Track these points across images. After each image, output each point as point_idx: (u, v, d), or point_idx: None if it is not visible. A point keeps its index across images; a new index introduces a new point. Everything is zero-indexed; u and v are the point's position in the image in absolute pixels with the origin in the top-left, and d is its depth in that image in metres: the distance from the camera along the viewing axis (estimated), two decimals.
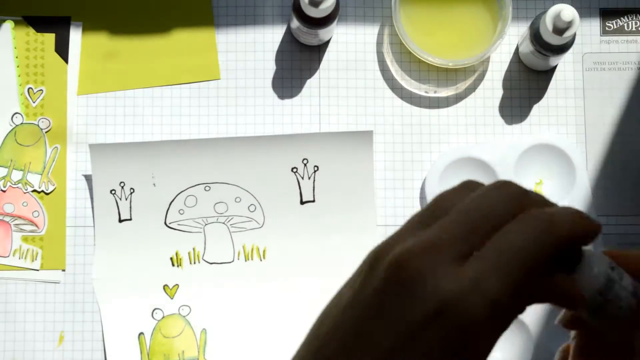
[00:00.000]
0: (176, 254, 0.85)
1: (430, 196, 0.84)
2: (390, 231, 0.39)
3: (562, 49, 0.82)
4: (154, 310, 0.84)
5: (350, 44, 0.87)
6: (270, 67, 0.87)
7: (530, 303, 0.36)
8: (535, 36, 0.82)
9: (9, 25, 0.86)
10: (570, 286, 0.37)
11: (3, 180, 0.85)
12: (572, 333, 0.42)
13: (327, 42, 0.87)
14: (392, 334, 0.34)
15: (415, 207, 0.86)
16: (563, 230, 0.35)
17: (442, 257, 0.34)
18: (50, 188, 0.85)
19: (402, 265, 0.35)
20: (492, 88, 0.88)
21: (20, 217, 0.85)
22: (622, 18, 0.88)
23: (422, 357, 0.34)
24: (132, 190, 0.84)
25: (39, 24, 0.86)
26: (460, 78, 0.88)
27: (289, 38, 0.87)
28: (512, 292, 0.34)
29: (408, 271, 0.34)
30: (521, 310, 0.35)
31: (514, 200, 0.36)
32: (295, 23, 0.83)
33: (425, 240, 0.35)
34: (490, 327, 0.34)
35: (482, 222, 0.35)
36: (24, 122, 0.85)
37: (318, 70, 0.87)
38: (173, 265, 0.85)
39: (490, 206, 0.36)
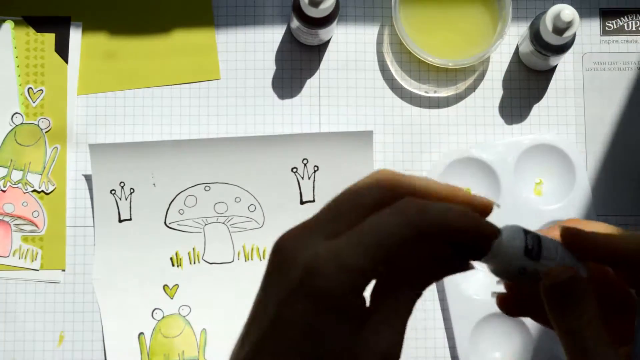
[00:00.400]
0: (176, 254, 0.85)
1: None
2: None
3: (562, 49, 0.82)
4: (154, 310, 0.84)
5: (350, 44, 0.87)
6: (270, 67, 0.87)
7: (394, 277, 0.41)
8: (535, 36, 0.82)
9: (9, 25, 0.86)
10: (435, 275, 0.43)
11: (3, 180, 0.85)
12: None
13: (327, 42, 0.87)
14: (273, 306, 0.40)
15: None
16: (425, 221, 0.40)
17: (311, 235, 0.40)
18: (50, 188, 0.85)
19: (279, 248, 0.41)
20: (492, 88, 0.88)
21: (20, 217, 0.85)
22: (622, 18, 0.88)
23: (297, 323, 0.39)
24: (132, 190, 0.84)
25: (39, 24, 0.86)
26: (460, 78, 0.88)
27: (289, 38, 0.87)
28: (366, 264, 0.39)
29: (283, 252, 0.40)
30: (368, 280, 0.40)
31: (380, 187, 0.41)
32: (295, 23, 0.83)
33: (300, 224, 0.41)
34: (348, 294, 0.39)
35: (349, 205, 0.41)
36: (24, 122, 0.86)
37: (318, 70, 0.87)
38: (173, 265, 0.85)
39: (357, 192, 0.41)
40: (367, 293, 0.41)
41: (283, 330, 0.40)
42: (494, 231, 0.43)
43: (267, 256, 0.42)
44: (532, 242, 0.44)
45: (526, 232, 0.44)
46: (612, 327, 0.44)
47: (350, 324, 0.40)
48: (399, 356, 0.41)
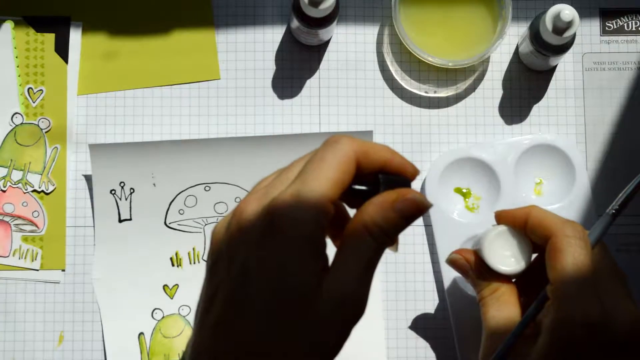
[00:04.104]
0: (176, 254, 0.85)
1: (430, 196, 0.84)
2: None
3: (562, 49, 0.82)
4: (154, 310, 0.84)
5: (350, 44, 0.87)
6: (270, 67, 0.87)
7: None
8: (535, 36, 0.82)
9: (9, 25, 0.86)
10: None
11: (3, 180, 0.85)
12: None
13: (327, 42, 0.87)
14: (238, 264, 0.43)
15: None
16: (365, 145, 0.46)
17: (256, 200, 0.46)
18: (50, 188, 0.85)
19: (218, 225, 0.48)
20: (492, 88, 0.88)
21: (20, 217, 0.85)
22: (622, 18, 0.88)
23: (267, 264, 0.42)
24: (132, 190, 0.84)
25: (39, 24, 0.86)
26: (460, 78, 0.88)
27: (289, 38, 0.87)
28: (327, 191, 0.43)
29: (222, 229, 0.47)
30: (330, 212, 0.44)
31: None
32: (295, 23, 0.83)
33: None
34: (315, 230, 0.43)
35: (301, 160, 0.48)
36: (24, 122, 0.86)
37: (318, 70, 0.87)
38: (173, 265, 0.85)
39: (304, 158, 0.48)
40: None
41: (253, 276, 0.42)
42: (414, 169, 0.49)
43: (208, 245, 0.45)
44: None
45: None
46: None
47: (318, 261, 0.42)
48: (359, 305, 0.43)
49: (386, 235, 0.44)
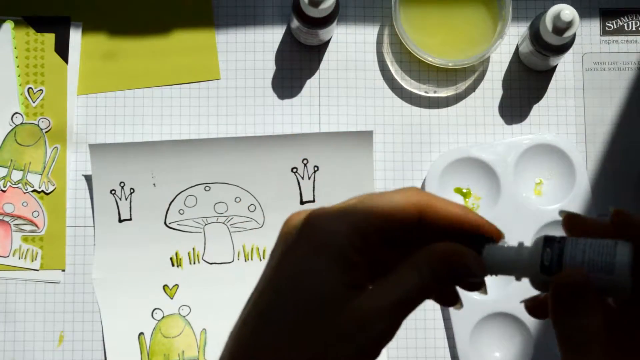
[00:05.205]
0: (176, 254, 0.85)
1: None
2: None
3: (562, 49, 0.82)
4: (154, 310, 0.84)
5: (350, 44, 0.87)
6: (270, 67, 0.87)
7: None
8: (535, 36, 0.82)
9: (9, 25, 0.86)
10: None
11: (3, 180, 0.85)
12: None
13: (327, 42, 0.87)
14: (275, 260, 0.43)
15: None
16: (431, 206, 0.44)
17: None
18: (50, 188, 0.85)
19: (286, 221, 0.45)
20: (492, 88, 0.88)
21: (20, 217, 0.85)
22: (622, 18, 0.88)
23: (296, 264, 0.42)
24: (132, 190, 0.84)
25: (39, 24, 0.86)
26: (460, 78, 0.88)
27: (289, 38, 0.87)
28: (369, 221, 0.42)
29: (288, 222, 0.45)
30: (370, 240, 0.42)
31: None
32: (295, 23, 0.83)
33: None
34: (347, 246, 0.42)
35: None
36: (24, 122, 0.86)
37: (318, 70, 0.87)
38: (173, 265, 0.85)
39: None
40: None
41: (282, 272, 0.42)
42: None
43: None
44: (550, 256, 0.41)
45: (548, 244, 0.42)
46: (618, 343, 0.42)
47: (346, 275, 0.41)
48: (384, 335, 0.41)
49: (434, 278, 0.42)
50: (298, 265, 0.41)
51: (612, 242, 0.41)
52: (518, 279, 0.43)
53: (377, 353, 0.41)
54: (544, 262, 0.41)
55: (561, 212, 0.44)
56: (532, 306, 0.46)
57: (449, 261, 0.42)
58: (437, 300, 0.46)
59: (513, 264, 0.42)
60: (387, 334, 0.41)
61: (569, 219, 0.44)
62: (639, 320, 0.43)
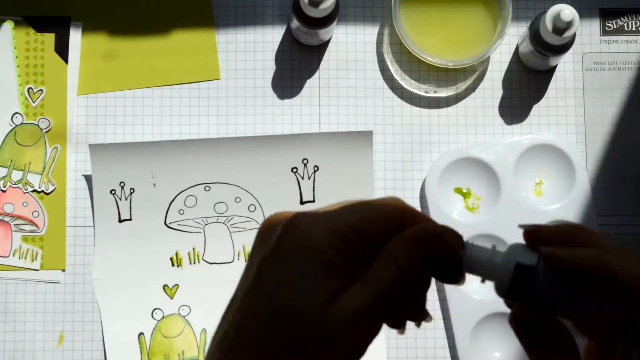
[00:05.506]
0: (176, 254, 0.85)
1: (430, 196, 0.84)
2: None
3: (562, 49, 0.82)
4: (154, 310, 0.84)
5: (350, 44, 0.87)
6: (270, 67, 0.87)
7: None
8: (535, 36, 0.82)
9: (9, 25, 0.86)
10: None
11: (3, 180, 0.85)
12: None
13: (327, 42, 0.87)
14: (254, 267, 0.42)
15: (415, 207, 0.86)
16: (408, 212, 0.44)
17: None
18: (50, 188, 0.85)
19: (265, 221, 0.45)
20: (492, 88, 0.88)
21: (20, 217, 0.85)
22: (622, 18, 0.88)
23: (273, 273, 0.41)
24: (132, 190, 0.84)
25: (39, 24, 0.86)
26: (460, 78, 0.88)
27: (289, 38, 0.87)
28: (346, 223, 0.41)
29: (267, 222, 0.45)
30: (349, 242, 0.41)
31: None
32: (295, 23, 0.83)
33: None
34: (327, 250, 0.40)
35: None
36: (24, 122, 0.86)
37: (318, 70, 0.87)
38: (173, 265, 0.85)
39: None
40: None
41: (262, 283, 0.41)
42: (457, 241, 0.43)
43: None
44: (519, 285, 0.41)
45: (519, 272, 0.41)
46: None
47: (331, 279, 0.40)
48: (370, 334, 0.40)
49: (412, 262, 0.41)
50: (282, 271, 0.40)
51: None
52: (483, 281, 0.43)
53: (364, 351, 0.40)
54: (512, 287, 0.42)
55: (521, 226, 0.43)
56: (517, 327, 0.44)
57: (425, 241, 0.42)
58: (408, 318, 0.46)
59: (485, 265, 0.42)
60: (372, 332, 0.40)
61: (529, 235, 0.43)
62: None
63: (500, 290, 0.42)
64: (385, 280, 0.41)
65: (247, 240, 0.85)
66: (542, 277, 0.41)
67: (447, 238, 0.42)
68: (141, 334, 0.84)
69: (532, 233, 0.43)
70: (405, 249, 0.41)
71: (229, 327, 0.41)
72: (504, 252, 0.42)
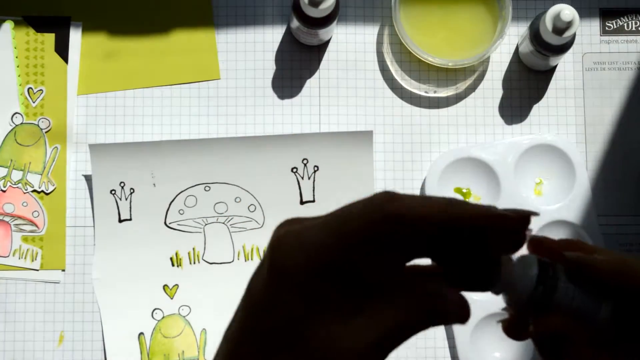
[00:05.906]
0: (176, 254, 0.85)
1: None
2: None
3: (562, 49, 0.82)
4: (154, 310, 0.84)
5: (350, 44, 0.87)
6: (270, 67, 0.87)
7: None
8: (535, 36, 0.82)
9: (9, 25, 0.86)
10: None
11: (3, 180, 0.85)
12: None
13: (327, 42, 0.87)
14: (248, 285, 0.42)
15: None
16: (394, 206, 0.39)
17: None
18: (50, 188, 0.85)
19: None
20: (492, 88, 0.88)
21: (20, 217, 0.85)
22: (622, 18, 0.88)
23: (259, 296, 0.41)
24: (132, 190, 0.84)
25: (39, 24, 0.86)
26: (460, 78, 0.88)
27: (289, 38, 0.87)
28: (325, 241, 0.39)
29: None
30: (331, 262, 0.39)
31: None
32: (295, 23, 0.83)
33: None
34: (307, 272, 0.39)
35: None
36: (24, 122, 0.86)
37: (318, 70, 0.87)
38: (173, 265, 0.85)
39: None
40: None
41: (250, 303, 0.41)
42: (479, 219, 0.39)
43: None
44: (542, 294, 0.40)
45: (544, 270, 0.40)
46: None
47: (307, 305, 0.38)
48: None
49: (416, 318, 0.39)
50: (265, 294, 0.40)
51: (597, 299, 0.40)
52: (497, 293, 0.42)
53: None
54: (534, 299, 0.40)
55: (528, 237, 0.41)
56: (508, 327, 0.44)
57: (433, 304, 0.40)
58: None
59: (507, 277, 0.41)
60: None
61: (533, 245, 0.42)
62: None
63: (520, 301, 0.41)
64: (387, 326, 0.39)
65: (247, 240, 0.85)
66: (563, 285, 0.40)
67: (451, 308, 0.41)
68: (141, 334, 0.84)
69: (538, 243, 0.42)
70: (410, 306, 0.39)
71: (232, 334, 0.42)
72: (515, 262, 0.41)
